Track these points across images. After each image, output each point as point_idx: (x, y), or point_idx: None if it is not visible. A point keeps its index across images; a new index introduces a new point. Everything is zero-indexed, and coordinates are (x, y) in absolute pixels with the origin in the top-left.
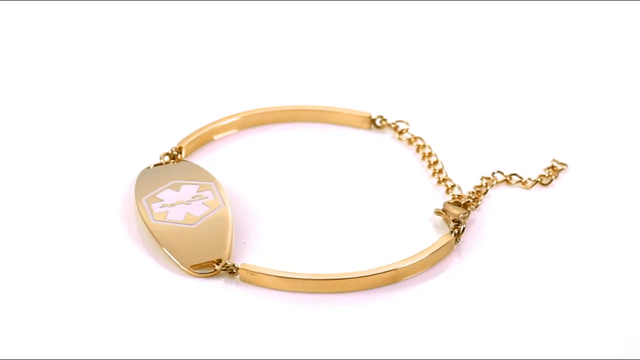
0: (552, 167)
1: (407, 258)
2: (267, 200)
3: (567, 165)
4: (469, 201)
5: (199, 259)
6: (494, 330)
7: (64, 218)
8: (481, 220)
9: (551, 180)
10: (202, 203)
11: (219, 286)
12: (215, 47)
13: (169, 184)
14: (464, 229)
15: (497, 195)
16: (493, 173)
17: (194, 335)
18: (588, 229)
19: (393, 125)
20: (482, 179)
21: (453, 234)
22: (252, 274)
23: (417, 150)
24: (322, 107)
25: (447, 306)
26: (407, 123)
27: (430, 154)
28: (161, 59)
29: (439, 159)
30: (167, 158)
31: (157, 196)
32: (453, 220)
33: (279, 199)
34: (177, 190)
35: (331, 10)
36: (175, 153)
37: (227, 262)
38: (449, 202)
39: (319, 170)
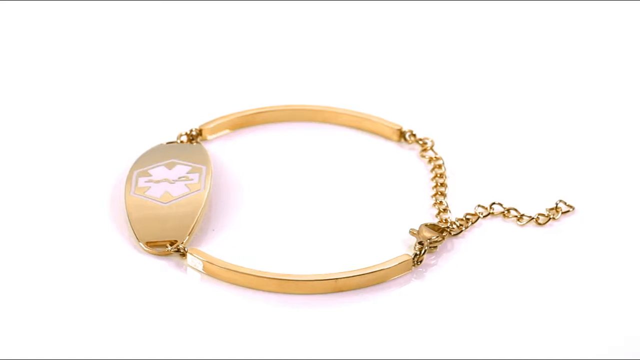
0: (556, 207)
1: (351, 270)
2: (260, 196)
3: (573, 208)
4: (448, 227)
5: (157, 237)
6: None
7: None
8: (460, 248)
9: (548, 220)
10: (185, 184)
11: (165, 266)
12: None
13: (166, 161)
14: (424, 251)
15: (489, 227)
16: (492, 204)
17: (125, 308)
18: (559, 280)
19: (420, 142)
20: (476, 207)
21: (413, 255)
22: (198, 260)
23: (432, 169)
24: (356, 112)
25: (383, 325)
26: (432, 141)
27: (442, 175)
28: (206, 49)
29: (447, 182)
30: (184, 138)
31: (149, 171)
32: (419, 242)
33: (271, 195)
34: (170, 169)
35: (382, 17)
36: (194, 134)
37: (180, 244)
38: (426, 224)
39: (325, 174)
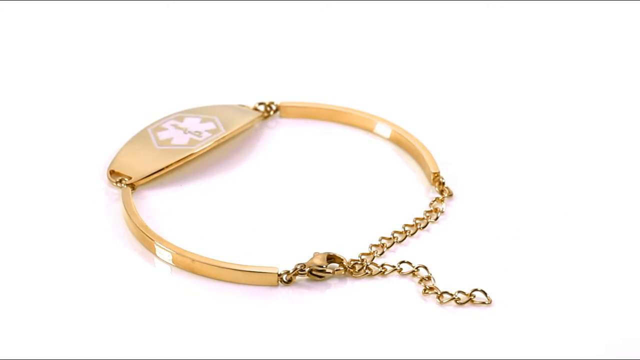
0: (471, 298)
1: (225, 263)
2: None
3: (490, 302)
4: (347, 265)
5: (122, 170)
6: None
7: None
8: (345, 284)
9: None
10: (190, 137)
11: (105, 197)
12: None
13: (206, 116)
14: (296, 273)
15: (393, 284)
16: (400, 262)
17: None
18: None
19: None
20: (370, 246)
21: (284, 272)
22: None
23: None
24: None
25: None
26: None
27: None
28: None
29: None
30: (261, 107)
31: (185, 117)
32: (302, 265)
33: (261, 187)
34: (201, 122)
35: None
36: (269, 107)
37: (131, 181)
38: (328, 253)
39: (331, 175)
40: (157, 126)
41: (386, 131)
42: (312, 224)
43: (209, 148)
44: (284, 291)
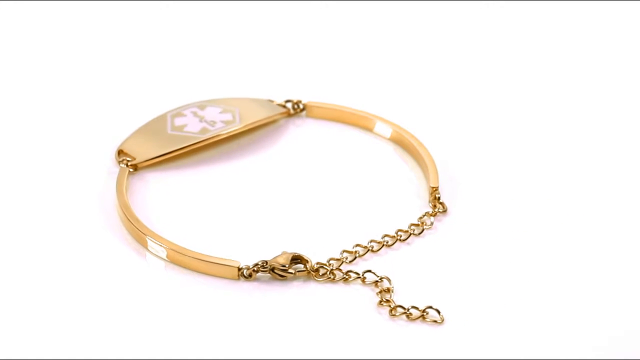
0: (423, 314)
1: (190, 252)
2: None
3: (442, 321)
4: (312, 268)
5: (129, 151)
6: None
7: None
8: (307, 286)
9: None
10: (204, 126)
11: (106, 174)
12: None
13: (228, 107)
14: (258, 270)
15: (352, 291)
16: (366, 271)
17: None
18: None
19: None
20: (341, 252)
21: (244, 266)
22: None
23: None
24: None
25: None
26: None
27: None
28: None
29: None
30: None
31: (206, 106)
32: (264, 262)
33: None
34: (220, 112)
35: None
36: (296, 105)
37: (133, 162)
38: (294, 254)
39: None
40: (178, 112)
41: (396, 139)
42: (304, 223)
43: (218, 139)
44: (244, 286)
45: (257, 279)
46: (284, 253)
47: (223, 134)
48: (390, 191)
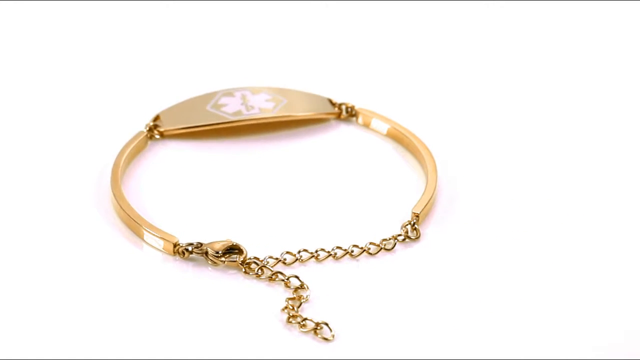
0: (315, 329)
1: (139, 219)
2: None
3: (332, 339)
4: (242, 256)
5: (164, 118)
6: None
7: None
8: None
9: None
10: (240, 109)
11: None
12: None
13: (280, 97)
14: (192, 252)
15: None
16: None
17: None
18: None
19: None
20: (283, 253)
21: (181, 244)
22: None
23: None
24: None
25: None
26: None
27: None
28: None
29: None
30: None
31: (245, 93)
32: (199, 243)
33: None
34: (268, 100)
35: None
36: (349, 109)
37: (159, 129)
38: (231, 242)
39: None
40: (228, 92)
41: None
42: (298, 220)
43: (246, 123)
44: (176, 263)
45: (192, 260)
46: (226, 240)
47: (252, 120)
48: (394, 200)
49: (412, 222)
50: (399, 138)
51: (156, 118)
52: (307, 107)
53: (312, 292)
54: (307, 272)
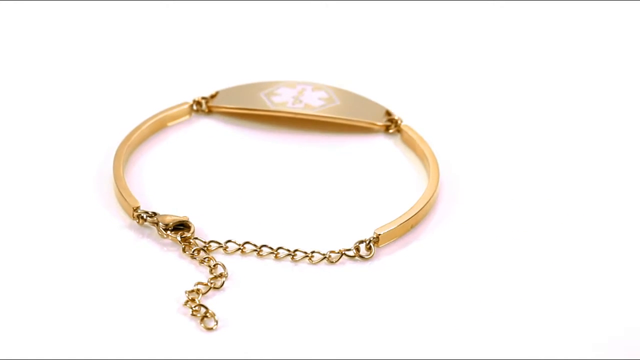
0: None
1: (120, 183)
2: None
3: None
4: (186, 234)
5: (220, 95)
6: None
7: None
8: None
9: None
10: (288, 101)
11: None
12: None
13: (334, 96)
14: (146, 220)
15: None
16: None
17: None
18: None
19: None
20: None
21: (138, 211)
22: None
23: None
24: None
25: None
26: None
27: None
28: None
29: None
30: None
31: (305, 88)
32: (154, 213)
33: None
34: (320, 98)
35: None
36: (393, 123)
37: (206, 103)
38: (183, 217)
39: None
40: (291, 83)
41: None
42: (294, 219)
43: (282, 115)
44: (134, 229)
45: (148, 228)
46: (182, 217)
47: (288, 114)
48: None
49: (367, 241)
50: (424, 159)
51: (215, 94)
52: (356, 113)
53: (236, 285)
54: (244, 264)
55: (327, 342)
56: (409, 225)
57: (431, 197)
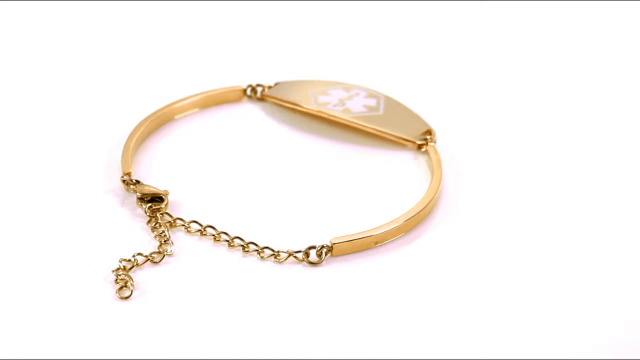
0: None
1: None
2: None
3: None
4: (154, 208)
5: (279, 85)
6: None
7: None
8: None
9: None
10: (332, 103)
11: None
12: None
13: (380, 105)
14: (127, 181)
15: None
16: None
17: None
18: None
19: None
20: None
21: (126, 176)
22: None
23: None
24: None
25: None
26: None
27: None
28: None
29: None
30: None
31: (359, 92)
32: (137, 181)
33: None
34: (365, 105)
35: None
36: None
37: (260, 89)
38: (163, 190)
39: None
40: (348, 86)
41: None
42: (291, 218)
43: (316, 114)
44: (119, 195)
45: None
46: (164, 191)
47: (322, 114)
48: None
49: (319, 248)
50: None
51: (274, 85)
52: (393, 126)
53: (178, 263)
54: (197, 246)
55: (230, 339)
56: (372, 241)
57: (400, 224)
